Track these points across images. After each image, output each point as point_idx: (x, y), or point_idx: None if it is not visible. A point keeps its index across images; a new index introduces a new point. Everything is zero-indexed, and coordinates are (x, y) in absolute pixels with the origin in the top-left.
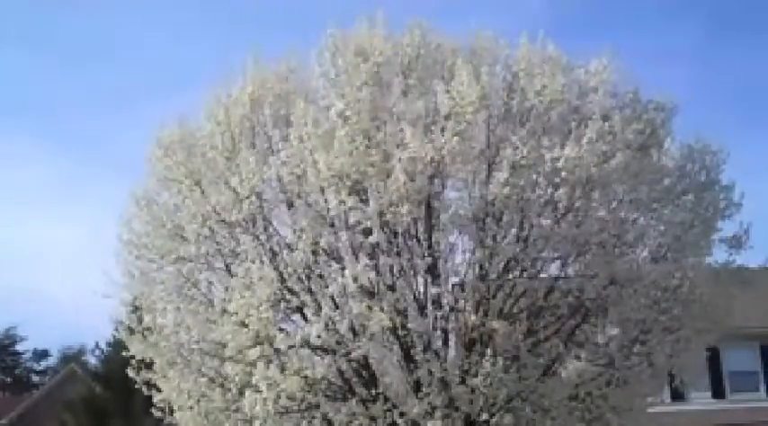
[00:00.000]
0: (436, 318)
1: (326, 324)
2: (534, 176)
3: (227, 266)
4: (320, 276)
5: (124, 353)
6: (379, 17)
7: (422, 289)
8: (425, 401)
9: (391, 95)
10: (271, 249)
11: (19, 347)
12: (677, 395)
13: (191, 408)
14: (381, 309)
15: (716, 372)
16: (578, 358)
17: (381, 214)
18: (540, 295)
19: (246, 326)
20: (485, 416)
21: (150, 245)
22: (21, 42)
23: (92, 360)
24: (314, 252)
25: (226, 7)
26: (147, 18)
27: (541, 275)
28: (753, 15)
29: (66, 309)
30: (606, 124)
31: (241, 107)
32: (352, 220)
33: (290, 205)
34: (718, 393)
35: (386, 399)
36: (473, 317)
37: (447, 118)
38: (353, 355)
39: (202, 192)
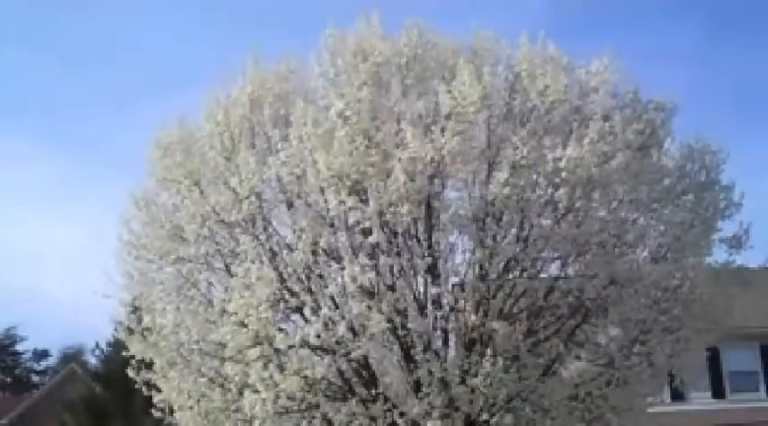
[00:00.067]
0: (436, 318)
1: (326, 324)
2: (534, 176)
3: (226, 266)
4: (320, 276)
5: (124, 353)
6: (375, 17)
7: (422, 289)
8: (425, 401)
9: (391, 95)
10: (270, 249)
11: (19, 347)
12: (677, 395)
13: (190, 408)
14: (380, 310)
15: (716, 372)
16: (578, 358)
17: (381, 214)
18: (540, 295)
19: (246, 326)
20: (485, 416)
21: (149, 246)
22: (21, 42)
23: (92, 360)
24: (313, 253)
25: (226, 7)
26: (147, 18)
27: (541, 275)
28: (753, 15)
29: (67, 309)
30: (607, 124)
31: (240, 107)
32: (351, 220)
33: (290, 205)
34: (718, 393)
35: (386, 399)
36: (473, 317)
37: (448, 118)
38: (353, 355)
39: (201, 193)
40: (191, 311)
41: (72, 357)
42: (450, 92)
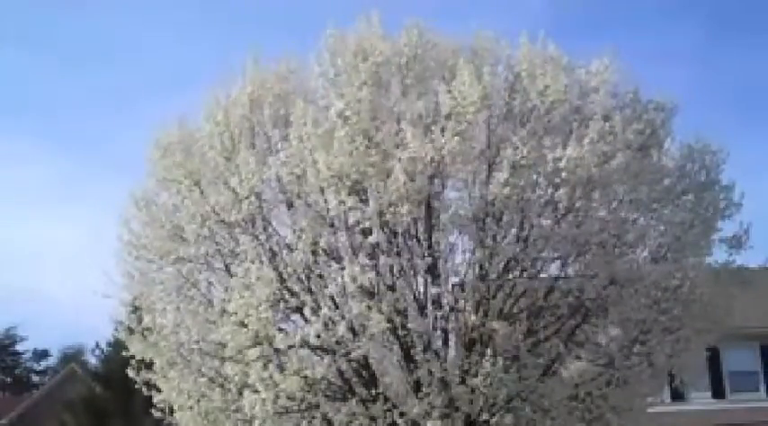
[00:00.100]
0: (436, 318)
1: (326, 324)
2: (534, 176)
3: (226, 266)
4: (320, 276)
5: (124, 353)
6: (374, 17)
7: (422, 289)
8: (425, 401)
9: (391, 95)
10: (270, 249)
11: (19, 347)
12: (677, 395)
13: (190, 408)
14: (380, 310)
15: (716, 372)
16: (578, 358)
17: (381, 214)
18: (540, 295)
19: (246, 326)
20: (485, 416)
21: (149, 246)
22: (21, 42)
23: (92, 360)
24: (313, 253)
25: (226, 7)
26: (147, 18)
27: (541, 275)
28: (753, 15)
29: (67, 309)
30: (607, 124)
31: (240, 107)
32: (351, 220)
33: (290, 205)
34: (718, 393)
35: (386, 399)
36: (473, 317)
37: (448, 118)
38: (353, 355)
39: (201, 193)
40: (191, 311)
41: (72, 357)
42: (450, 92)
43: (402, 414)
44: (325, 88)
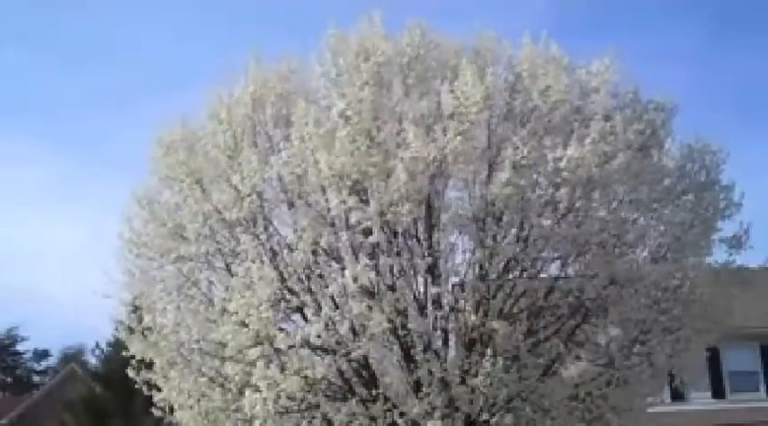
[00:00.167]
0: (436, 318)
1: (326, 324)
2: (535, 176)
3: (227, 266)
4: (320, 276)
5: (124, 353)
6: (376, 17)
7: (422, 289)
8: (425, 401)
9: (392, 95)
10: (271, 249)
11: (19, 347)
12: (677, 395)
13: (191, 408)
14: (381, 310)
15: (716, 372)
16: (578, 358)
17: (382, 214)
18: (541, 295)
19: (246, 326)
20: (485, 416)
21: (150, 244)
22: (21, 42)
23: (92, 360)
24: (314, 252)
25: (226, 7)
26: (147, 18)
27: (541, 275)
28: (755, 15)
29: (67, 309)
30: (608, 124)
31: (243, 106)
32: (352, 220)
33: (291, 205)
34: (718, 393)
35: (386, 399)
36: (473, 317)
37: (450, 117)
38: (353, 355)
39: (203, 191)
40: (191, 310)
41: (72, 357)
42: (452, 92)
43: (402, 414)
44: (326, 88)
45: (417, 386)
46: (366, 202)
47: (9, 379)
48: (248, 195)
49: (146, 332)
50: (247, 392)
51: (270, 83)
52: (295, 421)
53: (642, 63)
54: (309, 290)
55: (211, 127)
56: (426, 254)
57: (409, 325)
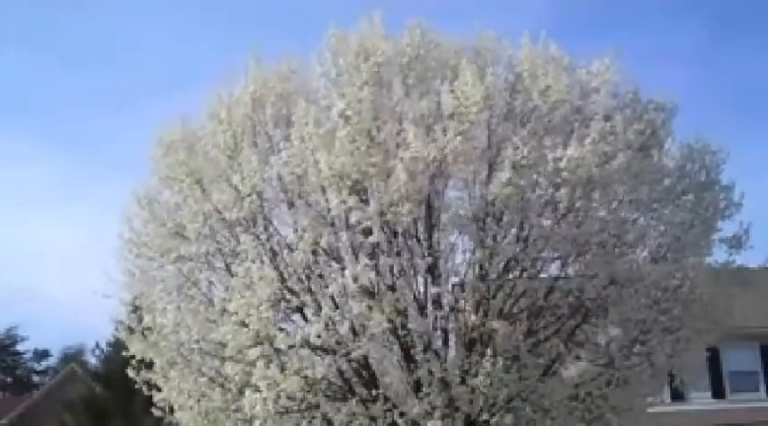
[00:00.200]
0: (436, 318)
1: (326, 324)
2: (535, 176)
3: (227, 266)
4: (320, 276)
5: (124, 353)
6: (376, 17)
7: (422, 289)
8: (426, 401)
9: (392, 95)
10: (271, 249)
11: (19, 347)
12: (677, 395)
13: (191, 408)
14: (381, 310)
15: (716, 372)
16: (578, 358)
17: (382, 214)
18: (541, 295)
19: (246, 326)
20: (485, 416)
21: (150, 244)
22: (21, 42)
23: (92, 360)
24: (314, 252)
25: (226, 7)
26: (147, 18)
27: (541, 275)
28: (755, 15)
29: (67, 309)
30: (608, 124)
31: (243, 106)
32: (352, 220)
33: (291, 204)
34: (718, 393)
35: (386, 399)
36: (473, 317)
37: (450, 117)
38: (353, 355)
39: (203, 191)
40: (191, 310)
41: (72, 357)
42: (453, 91)
43: (402, 414)
44: (326, 88)
45: (417, 386)
46: (366, 202)
47: (9, 379)
48: (248, 195)
49: (146, 333)
50: (247, 392)
51: (270, 83)
52: (295, 421)
53: (642, 63)
54: (309, 290)
55: (211, 127)
56: (426, 254)
57: (409, 325)
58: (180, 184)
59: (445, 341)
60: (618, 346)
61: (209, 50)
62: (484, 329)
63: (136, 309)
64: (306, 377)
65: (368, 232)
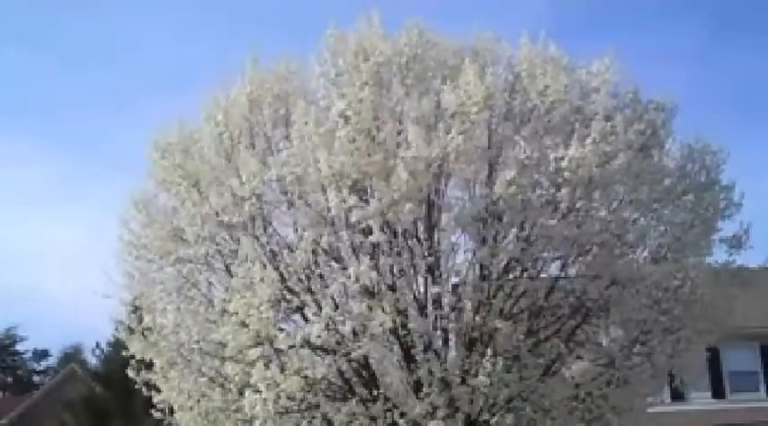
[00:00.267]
0: (437, 318)
1: (327, 324)
2: (536, 176)
3: (227, 266)
4: (320, 276)
5: (124, 353)
6: (375, 17)
7: (422, 289)
8: (426, 401)
9: (392, 95)
10: (271, 250)
11: (19, 347)
12: (677, 395)
13: (191, 408)
14: (382, 309)
15: (716, 372)
16: (579, 358)
17: (382, 213)
18: (541, 295)
19: (247, 326)
20: (485, 416)
21: (149, 246)
22: (21, 42)
23: (92, 360)
24: (314, 252)
25: (226, 7)
26: (147, 18)
27: (542, 275)
28: (755, 15)
29: (67, 309)
30: (608, 124)
31: (240, 107)
32: (352, 220)
33: (291, 205)
34: (718, 393)
35: (386, 399)
36: (474, 317)
37: (452, 117)
38: (354, 355)
39: (200, 194)
40: (191, 311)
41: (72, 357)
42: (455, 90)
43: (402, 415)
44: (326, 88)
45: (418, 386)
46: (366, 202)
47: (9, 379)
48: (247, 199)
49: (146, 333)
50: (247, 392)
51: (267, 83)
52: (295, 421)
53: (642, 63)
54: (310, 290)
55: (208, 129)
56: (427, 254)
57: (410, 325)
58: (177, 188)
59: (446, 341)
60: (618, 346)
61: (209, 51)
62: (484, 329)
63: (136, 309)
64: (306, 377)
65: (368, 232)
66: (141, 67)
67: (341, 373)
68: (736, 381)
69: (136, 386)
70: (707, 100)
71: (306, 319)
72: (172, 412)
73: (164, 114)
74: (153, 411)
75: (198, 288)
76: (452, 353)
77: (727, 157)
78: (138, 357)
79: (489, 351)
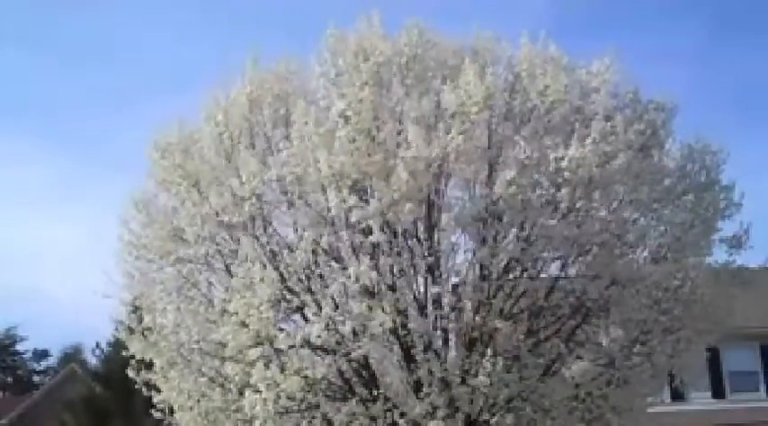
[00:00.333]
0: (437, 318)
1: (327, 324)
2: (536, 176)
3: (227, 266)
4: (320, 276)
5: (124, 353)
6: (375, 17)
7: (422, 289)
8: (426, 401)
9: (392, 95)
10: (271, 250)
11: (19, 347)
12: (677, 395)
13: (191, 408)
14: (382, 309)
15: (716, 372)
16: (579, 358)
17: (382, 213)
18: (541, 295)
19: (247, 326)
20: (485, 416)
21: (149, 246)
22: (21, 42)
23: (92, 360)
24: (314, 252)
25: (226, 7)
26: (147, 18)
27: (542, 275)
28: (755, 15)
29: (67, 309)
30: (608, 124)
31: (240, 107)
32: (352, 220)
33: (291, 205)
34: (718, 393)
35: (386, 399)
36: (474, 317)
37: (452, 117)
38: (354, 355)
39: (200, 194)
40: (191, 311)
41: (72, 357)
42: (455, 90)
43: (402, 415)
44: (326, 88)
45: (418, 386)
46: (366, 202)
47: (9, 379)
48: (247, 199)
49: (146, 333)
50: (247, 392)
51: (267, 84)
52: (295, 421)
53: (642, 63)
54: (310, 290)
55: (208, 129)
56: (427, 254)
57: (410, 325)
58: (177, 188)
59: (446, 341)
60: (618, 346)
61: (209, 51)
62: (484, 329)
63: (136, 309)
64: (306, 377)
65: (368, 232)
66: (141, 67)
67: (341, 373)
68: (736, 381)
69: (136, 386)
70: (707, 100)
71: (306, 319)
72: (172, 412)
73: (164, 114)
74: (153, 411)
75: (198, 288)
76: (452, 353)
77: (727, 157)
78: (138, 357)
79: (489, 351)
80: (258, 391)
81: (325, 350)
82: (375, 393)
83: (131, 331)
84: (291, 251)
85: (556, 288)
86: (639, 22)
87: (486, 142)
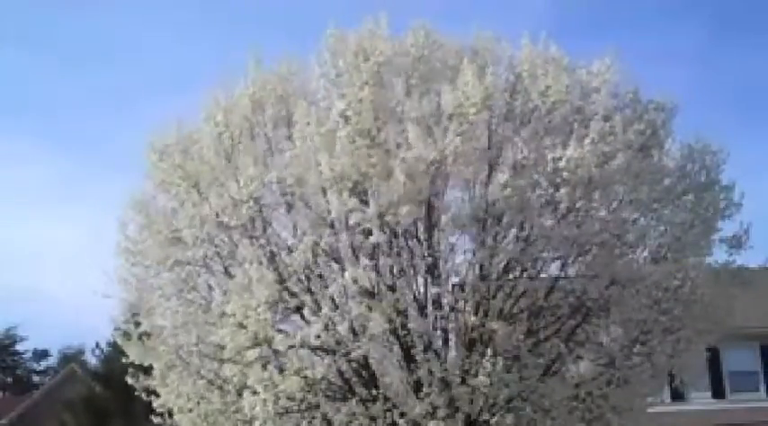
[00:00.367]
0: (436, 318)
1: (326, 325)
2: (535, 176)
3: (225, 269)
4: (320, 276)
5: (123, 360)
6: (382, 18)
7: (422, 290)
8: (426, 401)
9: (393, 95)
10: (270, 251)
11: (19, 347)
12: (677, 395)
13: (190, 410)
14: (381, 310)
15: (716, 372)
16: (579, 358)
17: (381, 215)
18: (541, 295)
19: (245, 328)
20: (485, 416)
21: (147, 252)
22: (21, 42)
23: (92, 360)
24: (314, 253)
25: (226, 7)
26: (147, 18)
27: (542, 275)
28: (755, 15)
29: (67, 309)
30: (608, 124)
31: (241, 108)
32: (352, 221)
33: (290, 207)
34: (718, 393)
35: (386, 399)
36: (473, 317)
37: (450, 118)
38: (353, 355)
39: (200, 194)
40: (190, 314)
41: (72, 357)
42: (455, 90)
43: (402, 414)
44: (326, 89)
45: (417, 387)
46: (366, 203)
47: (9, 379)
48: (245, 202)
49: (143, 337)
50: (246, 393)
51: (269, 84)
52: (295, 421)
53: (642, 63)
54: (309, 291)
55: (208, 130)
56: (426, 255)
57: (409, 325)
58: (176, 188)
59: (445, 342)
60: (618, 346)
61: (209, 51)
62: (484, 329)
63: (133, 315)
64: (306, 377)
65: (368, 233)
66: (141, 67)
67: (340, 373)
68: (736, 381)
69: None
70: (707, 100)
71: (304, 320)
72: (171, 415)
73: (163, 114)
74: (153, 416)
75: (197, 291)
76: (452, 353)
77: (727, 157)
78: (136, 362)
79: (489, 351)
80: (256, 392)
81: (325, 351)
82: (375, 393)
83: (128, 337)
84: (291, 251)
85: (555, 288)
86: (639, 22)
87: (485, 143)
